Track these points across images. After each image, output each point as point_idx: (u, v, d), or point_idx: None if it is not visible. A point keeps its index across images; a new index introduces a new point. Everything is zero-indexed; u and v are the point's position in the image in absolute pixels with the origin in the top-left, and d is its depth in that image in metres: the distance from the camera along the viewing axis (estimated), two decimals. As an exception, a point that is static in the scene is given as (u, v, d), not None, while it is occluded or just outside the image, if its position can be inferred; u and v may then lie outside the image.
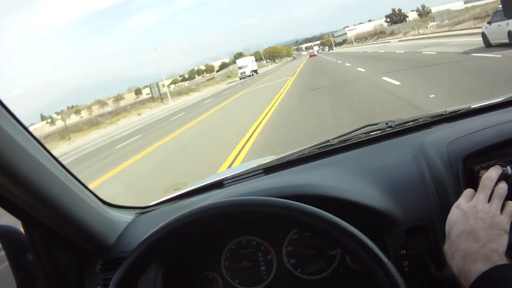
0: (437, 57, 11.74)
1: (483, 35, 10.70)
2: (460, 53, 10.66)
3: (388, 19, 66.92)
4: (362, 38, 74.82)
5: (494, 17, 10.11)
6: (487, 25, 10.51)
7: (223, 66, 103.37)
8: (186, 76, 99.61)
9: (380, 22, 72.21)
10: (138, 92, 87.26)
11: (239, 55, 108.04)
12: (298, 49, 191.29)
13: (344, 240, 0.64)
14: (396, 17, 64.86)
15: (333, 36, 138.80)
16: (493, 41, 10.09)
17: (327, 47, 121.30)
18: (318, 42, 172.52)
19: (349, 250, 0.65)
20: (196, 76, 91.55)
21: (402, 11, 66.28)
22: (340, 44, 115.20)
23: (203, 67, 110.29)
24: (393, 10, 67.35)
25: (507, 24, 8.90)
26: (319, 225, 0.65)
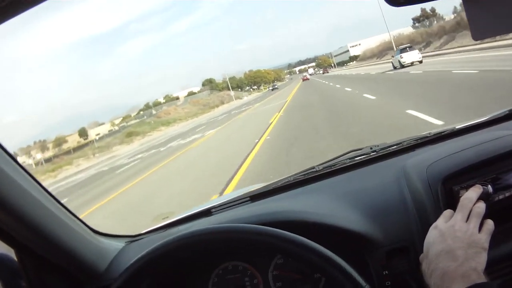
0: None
1: (392, 63, 27.20)
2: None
3: (417, 23, 55.91)
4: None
5: (396, 53, 26.28)
6: (392, 58, 28.02)
7: (190, 95, 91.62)
8: (142, 113, 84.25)
9: (397, 32, 62.50)
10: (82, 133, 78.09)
11: (209, 82, 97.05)
12: (291, 73, 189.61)
13: (321, 265, 0.77)
14: (429, 20, 54.15)
15: (332, 56, 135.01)
16: (395, 66, 25.57)
17: (322, 69, 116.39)
18: (313, 64, 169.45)
19: (327, 274, 0.77)
20: (153, 111, 79.22)
21: (436, 11, 54.73)
22: (341, 64, 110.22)
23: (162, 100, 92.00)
24: (423, 10, 52.65)
25: (398, 57, 24.64)
26: (297, 251, 0.78)
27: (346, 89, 20.12)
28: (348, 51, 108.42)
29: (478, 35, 0.75)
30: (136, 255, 0.87)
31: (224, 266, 1.12)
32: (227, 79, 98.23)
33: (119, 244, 1.21)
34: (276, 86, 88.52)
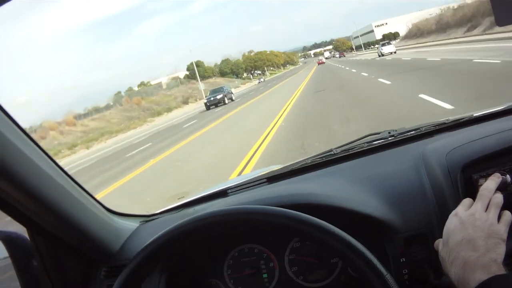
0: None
1: (378, 52, 45.90)
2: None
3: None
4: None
5: (380, 46, 48.43)
6: (377, 49, 50.86)
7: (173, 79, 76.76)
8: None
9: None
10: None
11: (195, 66, 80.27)
12: (306, 56, 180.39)
13: (342, 250, 0.80)
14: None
15: (352, 39, 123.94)
16: (379, 55, 44.02)
17: (338, 53, 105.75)
18: (329, 47, 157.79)
19: (347, 260, 0.80)
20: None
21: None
22: (366, 46, 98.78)
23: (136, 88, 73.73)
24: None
25: (380, 49, 44.49)
26: (317, 235, 0.81)
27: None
28: (372, 31, 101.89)
29: (502, 21, 0.82)
30: (150, 236, 0.90)
31: (240, 248, 1.19)
32: (197, 65, 70.48)
33: (133, 224, 1.28)
34: (259, 79, 56.54)
